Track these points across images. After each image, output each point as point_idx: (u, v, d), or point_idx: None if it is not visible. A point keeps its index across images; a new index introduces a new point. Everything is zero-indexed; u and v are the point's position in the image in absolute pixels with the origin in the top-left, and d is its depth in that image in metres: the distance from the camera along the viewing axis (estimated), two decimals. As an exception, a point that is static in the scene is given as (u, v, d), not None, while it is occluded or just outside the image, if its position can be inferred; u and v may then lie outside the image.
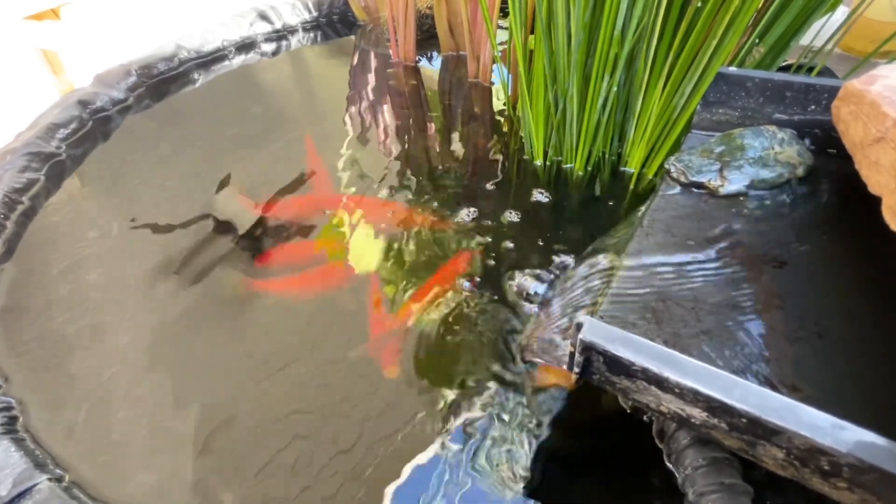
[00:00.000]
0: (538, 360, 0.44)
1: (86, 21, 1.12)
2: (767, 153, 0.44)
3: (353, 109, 0.81)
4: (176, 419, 0.43)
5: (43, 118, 0.70)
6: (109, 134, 0.74)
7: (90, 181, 0.68)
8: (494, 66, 0.82)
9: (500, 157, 0.70)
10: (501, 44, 0.89)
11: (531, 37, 0.62)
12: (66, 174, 0.67)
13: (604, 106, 0.60)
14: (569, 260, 0.53)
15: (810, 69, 0.63)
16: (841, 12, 0.69)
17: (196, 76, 0.86)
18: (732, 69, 0.49)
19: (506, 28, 0.93)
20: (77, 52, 1.10)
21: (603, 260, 0.45)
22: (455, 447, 0.40)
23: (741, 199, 0.43)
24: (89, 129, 0.73)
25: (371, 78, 0.88)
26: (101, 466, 0.40)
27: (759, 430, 0.26)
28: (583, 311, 0.42)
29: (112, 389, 0.46)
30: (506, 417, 0.42)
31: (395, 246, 0.57)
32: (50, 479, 0.37)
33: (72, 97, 0.74)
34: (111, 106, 0.77)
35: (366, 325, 0.50)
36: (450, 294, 0.51)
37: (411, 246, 0.57)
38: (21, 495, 0.36)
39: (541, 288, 0.50)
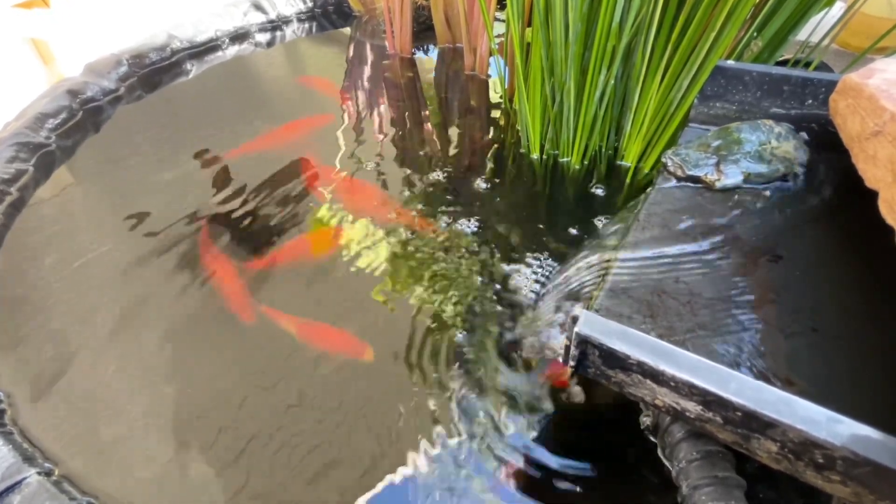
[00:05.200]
0: (533, 353, 0.44)
1: (76, 9, 1.10)
2: (764, 147, 0.43)
3: (348, 101, 0.80)
4: (167, 413, 0.43)
5: (32, 108, 0.69)
6: (100, 125, 0.73)
7: (80, 173, 0.67)
8: (491, 59, 0.81)
9: (496, 150, 0.69)
10: (498, 36, 0.89)
11: (528, 29, 0.62)
12: (55, 165, 0.66)
13: (601, 99, 0.60)
14: (564, 253, 0.53)
15: (807, 64, 0.63)
16: (838, 8, 0.68)
17: (189, 67, 0.85)
18: (730, 63, 0.48)
19: (503, 20, 0.93)
20: (67, 41, 1.09)
21: (599, 253, 0.45)
22: (451, 444, 0.40)
23: (737, 193, 0.43)
24: (79, 119, 0.72)
25: (367, 70, 0.87)
26: (91, 460, 0.40)
27: (754, 423, 0.26)
28: (578, 305, 0.42)
29: (102, 383, 0.45)
30: (500, 412, 0.42)
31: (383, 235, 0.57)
32: (39, 473, 0.37)
33: (61, 87, 0.72)
34: (102, 96, 0.75)
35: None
36: (451, 285, 0.51)
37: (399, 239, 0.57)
38: (9, 489, 0.35)
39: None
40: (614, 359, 0.30)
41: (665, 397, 0.30)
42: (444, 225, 0.58)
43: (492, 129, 0.74)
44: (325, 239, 0.57)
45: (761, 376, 0.31)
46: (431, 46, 0.91)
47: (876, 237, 0.33)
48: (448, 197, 0.61)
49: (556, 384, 0.43)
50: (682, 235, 0.40)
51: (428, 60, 0.89)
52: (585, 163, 0.65)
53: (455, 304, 0.50)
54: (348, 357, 0.46)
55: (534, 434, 0.40)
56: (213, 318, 0.50)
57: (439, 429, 0.41)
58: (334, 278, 0.53)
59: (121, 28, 1.06)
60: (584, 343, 0.30)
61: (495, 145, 0.70)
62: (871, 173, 0.33)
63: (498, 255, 0.54)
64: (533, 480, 0.38)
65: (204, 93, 0.81)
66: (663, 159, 0.46)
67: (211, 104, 0.80)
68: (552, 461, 0.39)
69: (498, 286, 0.51)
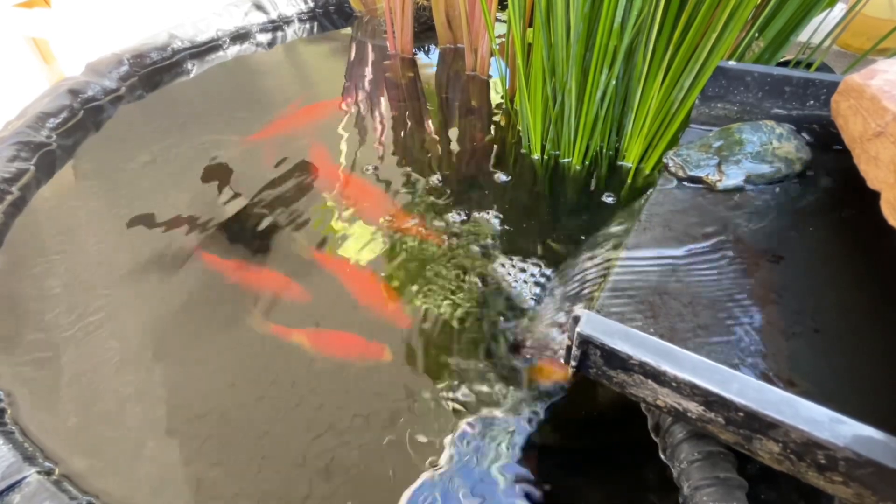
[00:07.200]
0: (534, 354, 0.44)
1: (77, 9, 1.10)
2: (766, 148, 0.43)
3: (349, 102, 0.80)
4: (168, 412, 0.43)
5: (33, 107, 0.69)
6: (101, 124, 0.73)
7: (82, 172, 0.67)
8: (492, 59, 0.81)
9: (497, 150, 0.69)
10: (499, 37, 0.89)
11: (530, 30, 0.62)
12: (57, 164, 0.66)
13: (602, 99, 0.60)
14: (565, 253, 0.53)
15: (808, 65, 0.63)
16: (839, 9, 0.69)
17: (190, 66, 0.85)
18: (732, 63, 0.48)
19: (504, 21, 0.93)
20: (68, 41, 1.09)
21: (600, 254, 0.45)
22: (450, 442, 0.40)
23: (739, 193, 0.43)
24: (80, 118, 0.72)
25: (367, 70, 0.87)
26: (91, 459, 0.40)
27: (756, 424, 0.26)
28: (580, 305, 0.42)
29: (102, 382, 0.45)
30: (501, 412, 0.42)
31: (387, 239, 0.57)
32: (39, 473, 0.37)
33: (62, 86, 0.72)
34: (103, 95, 0.75)
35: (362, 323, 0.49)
36: (447, 287, 0.51)
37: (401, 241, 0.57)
38: (9, 489, 0.35)
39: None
40: (616, 359, 0.30)
41: (667, 398, 0.30)
42: (444, 225, 0.58)
43: (493, 129, 0.74)
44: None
45: (763, 377, 0.31)
46: (432, 47, 0.91)
47: (878, 238, 0.33)
48: (448, 197, 0.61)
49: (546, 379, 0.43)
50: (683, 236, 0.40)
51: (429, 61, 0.89)
52: (586, 163, 0.65)
53: (455, 305, 0.50)
54: (365, 360, 0.46)
55: (535, 434, 0.40)
56: (218, 319, 0.50)
57: (433, 427, 0.41)
58: (333, 281, 0.53)
59: (122, 27, 1.06)
60: (586, 343, 0.30)
61: (496, 146, 0.70)
62: (874, 174, 0.33)
63: (499, 256, 0.54)
64: (534, 480, 0.38)
65: (205, 93, 0.81)
66: (665, 160, 0.46)
67: (212, 104, 0.80)
68: (553, 461, 0.39)
69: (498, 287, 0.51)
